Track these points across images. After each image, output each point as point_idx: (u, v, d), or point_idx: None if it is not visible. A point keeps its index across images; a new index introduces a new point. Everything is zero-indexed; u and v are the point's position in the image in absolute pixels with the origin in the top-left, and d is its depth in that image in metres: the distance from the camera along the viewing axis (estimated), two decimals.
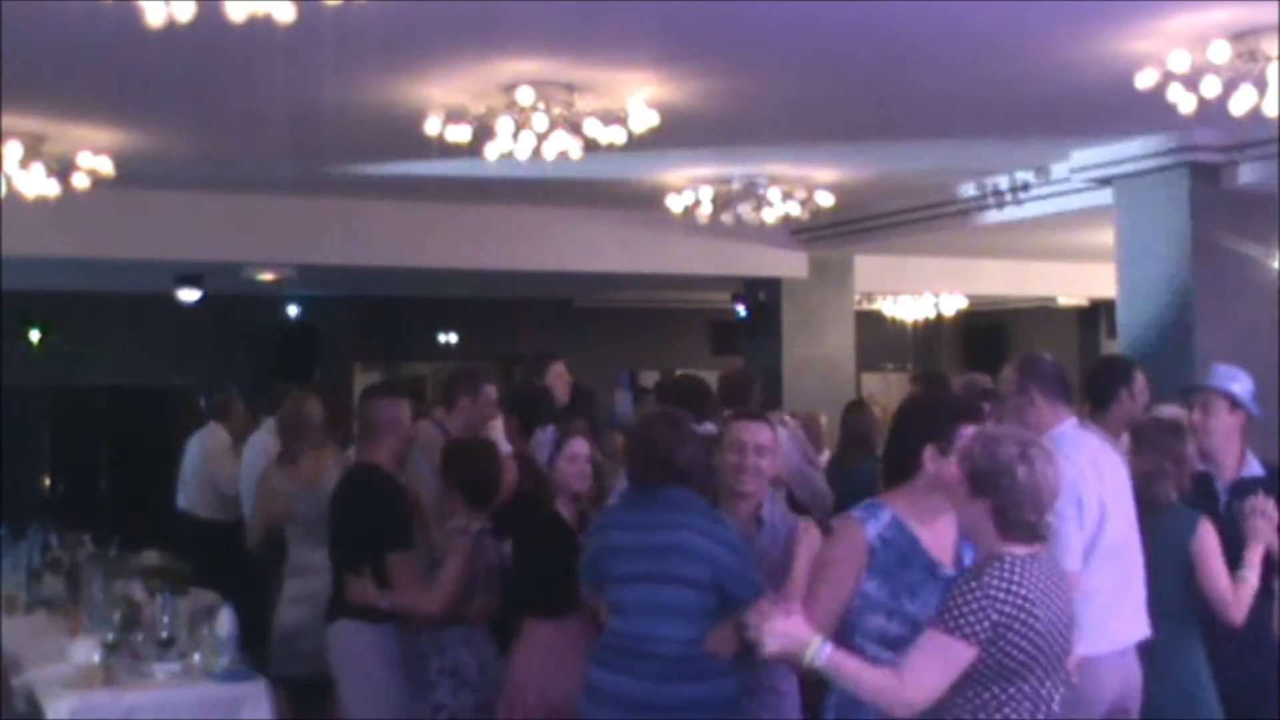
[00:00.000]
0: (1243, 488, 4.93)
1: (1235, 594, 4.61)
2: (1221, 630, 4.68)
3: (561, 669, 4.75)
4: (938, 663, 3.22)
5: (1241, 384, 5.09)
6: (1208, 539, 4.65)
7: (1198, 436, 5.00)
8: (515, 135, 6.65)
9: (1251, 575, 4.66)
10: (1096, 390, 5.49)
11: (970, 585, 3.25)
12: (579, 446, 5.20)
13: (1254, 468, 5.10)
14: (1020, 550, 3.28)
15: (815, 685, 4.52)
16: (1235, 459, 5.04)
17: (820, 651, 3.28)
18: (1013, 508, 3.28)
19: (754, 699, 4.37)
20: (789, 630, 3.31)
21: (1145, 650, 4.47)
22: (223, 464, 9.34)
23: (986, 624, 3.20)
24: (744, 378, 7.55)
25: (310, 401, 6.77)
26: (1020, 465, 3.27)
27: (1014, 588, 3.22)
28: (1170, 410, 5.30)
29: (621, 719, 4.18)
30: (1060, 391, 4.49)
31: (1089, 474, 4.29)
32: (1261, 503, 4.80)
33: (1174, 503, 4.75)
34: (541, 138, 6.67)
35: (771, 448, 4.50)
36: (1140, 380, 5.51)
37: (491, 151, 6.81)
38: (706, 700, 4.13)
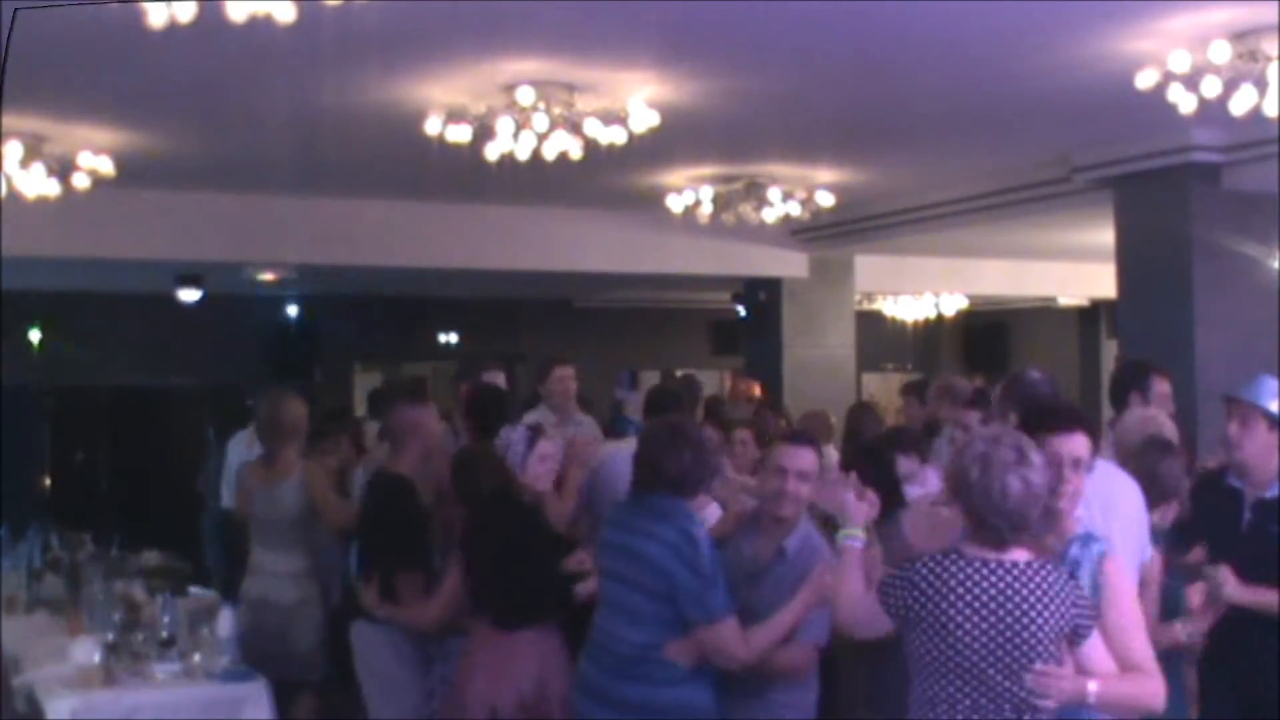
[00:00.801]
0: (1263, 508, 4.80)
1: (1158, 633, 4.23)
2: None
3: (510, 687, 4.63)
4: (854, 603, 3.58)
5: None
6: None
7: (1231, 450, 4.85)
8: (515, 135, 6.65)
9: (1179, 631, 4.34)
10: (1112, 395, 5.50)
11: (904, 566, 3.35)
12: (548, 448, 5.18)
13: None
14: (975, 552, 3.29)
15: (834, 687, 4.53)
16: (1269, 476, 4.81)
17: (852, 537, 3.75)
18: (972, 510, 3.28)
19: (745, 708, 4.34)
20: (845, 498, 3.84)
21: None
22: None
23: (900, 606, 3.31)
24: (682, 387, 7.39)
25: (288, 401, 6.51)
26: (976, 468, 3.27)
27: (938, 582, 3.25)
28: (1137, 414, 5.24)
29: (587, 707, 4.32)
30: None
31: None
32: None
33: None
34: (542, 138, 6.68)
35: (813, 472, 4.42)
36: (1157, 385, 5.47)
37: (492, 151, 6.81)
38: (658, 704, 4.17)
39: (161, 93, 6.85)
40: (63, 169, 7.40)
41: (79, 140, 7.44)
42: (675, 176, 9.11)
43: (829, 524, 4.26)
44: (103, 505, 13.40)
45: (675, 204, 9.19)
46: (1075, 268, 13.96)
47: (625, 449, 5.44)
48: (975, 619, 3.22)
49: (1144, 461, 4.72)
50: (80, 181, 7.47)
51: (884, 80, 6.77)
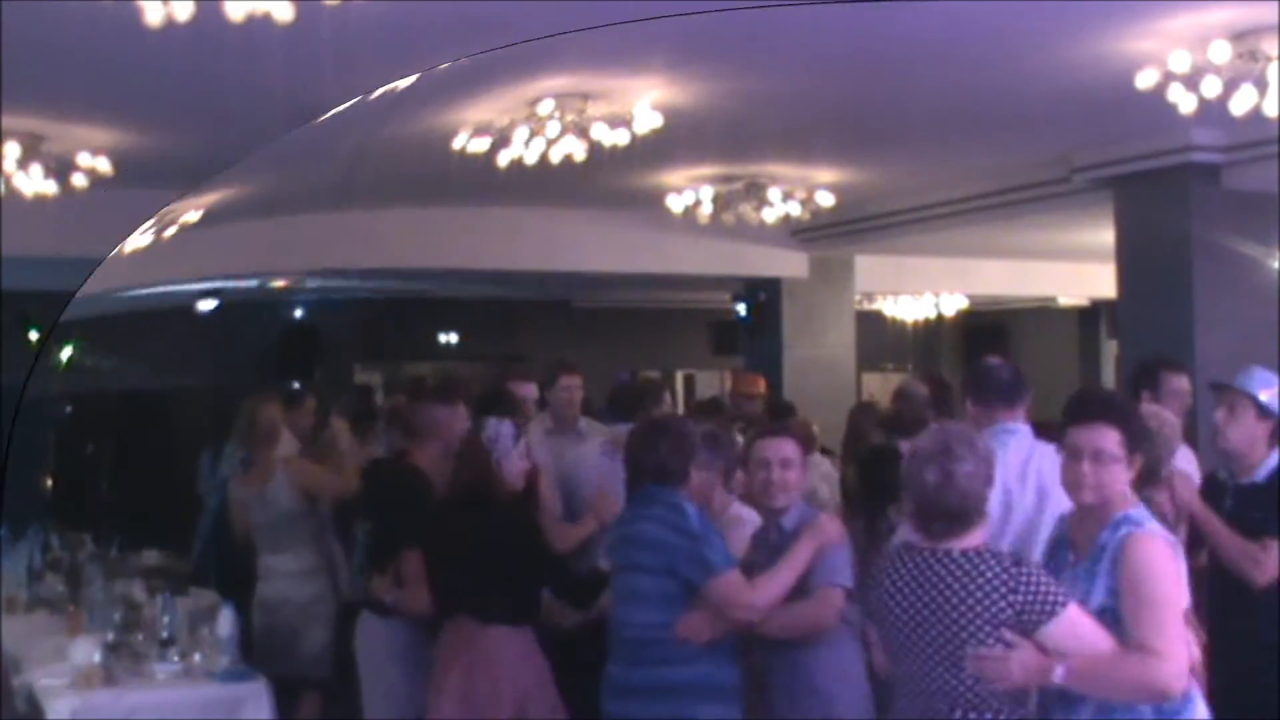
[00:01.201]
0: (1243, 493, 4.84)
1: None
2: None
3: (492, 686, 4.65)
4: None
5: (1271, 391, 4.89)
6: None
7: (1216, 436, 4.90)
8: (527, 142, 6.69)
9: None
10: (1129, 393, 5.53)
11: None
12: (528, 446, 5.21)
13: (1270, 464, 4.90)
14: (914, 543, 3.38)
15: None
16: (1253, 463, 4.86)
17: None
18: (909, 501, 3.40)
19: (779, 693, 4.39)
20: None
21: None
22: None
23: (868, 604, 3.50)
24: (638, 388, 7.32)
25: (262, 407, 6.48)
26: (905, 463, 3.40)
27: (882, 575, 3.40)
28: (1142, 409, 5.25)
29: (613, 705, 4.36)
30: (997, 398, 4.49)
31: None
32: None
33: None
34: (551, 143, 6.70)
35: (797, 459, 4.55)
36: (1172, 381, 5.51)
37: (504, 158, 6.84)
38: (677, 684, 4.20)
39: (161, 92, 6.85)
40: (61, 169, 7.40)
41: (77, 140, 7.44)
42: (675, 176, 9.10)
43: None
44: (103, 505, 13.39)
45: (675, 204, 9.19)
46: (1075, 268, 13.95)
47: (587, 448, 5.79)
48: (905, 606, 3.30)
49: None
50: (79, 181, 7.46)
51: (884, 80, 6.77)
